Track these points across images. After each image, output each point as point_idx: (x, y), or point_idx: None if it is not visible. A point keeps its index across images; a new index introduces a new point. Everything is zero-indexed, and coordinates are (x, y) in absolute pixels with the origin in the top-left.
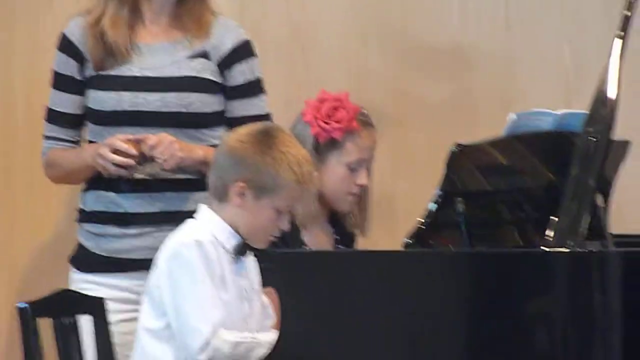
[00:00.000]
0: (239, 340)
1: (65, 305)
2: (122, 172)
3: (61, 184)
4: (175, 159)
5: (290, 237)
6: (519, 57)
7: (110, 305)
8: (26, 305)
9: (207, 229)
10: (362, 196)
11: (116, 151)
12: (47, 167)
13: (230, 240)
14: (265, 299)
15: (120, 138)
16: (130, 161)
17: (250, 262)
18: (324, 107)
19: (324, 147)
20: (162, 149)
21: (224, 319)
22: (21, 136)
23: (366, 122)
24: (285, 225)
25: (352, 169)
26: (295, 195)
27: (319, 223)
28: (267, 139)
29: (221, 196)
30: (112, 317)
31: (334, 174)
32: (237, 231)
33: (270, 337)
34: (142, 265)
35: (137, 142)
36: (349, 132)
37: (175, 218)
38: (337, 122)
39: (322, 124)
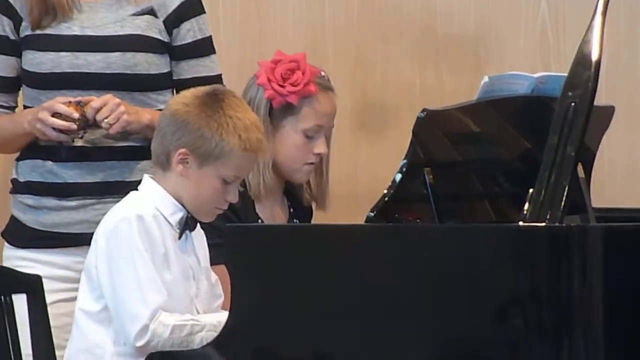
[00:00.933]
0: (180, 323)
1: None
2: (63, 137)
3: None
4: (121, 123)
5: (244, 211)
6: (490, 15)
7: (47, 284)
8: None
9: (150, 202)
10: (320, 166)
11: (56, 114)
12: None
13: (176, 215)
14: (214, 276)
15: (61, 100)
16: (72, 125)
17: (198, 237)
18: (279, 69)
19: (278, 112)
20: (107, 112)
21: (164, 303)
22: None
23: (325, 86)
24: (233, 197)
25: (309, 136)
26: (242, 163)
27: (274, 195)
28: (213, 102)
29: (164, 165)
30: (50, 297)
31: (289, 142)
32: (181, 203)
33: (215, 318)
34: (82, 240)
35: (79, 105)
36: (305, 96)
37: (119, 189)
38: (292, 85)
39: (277, 87)
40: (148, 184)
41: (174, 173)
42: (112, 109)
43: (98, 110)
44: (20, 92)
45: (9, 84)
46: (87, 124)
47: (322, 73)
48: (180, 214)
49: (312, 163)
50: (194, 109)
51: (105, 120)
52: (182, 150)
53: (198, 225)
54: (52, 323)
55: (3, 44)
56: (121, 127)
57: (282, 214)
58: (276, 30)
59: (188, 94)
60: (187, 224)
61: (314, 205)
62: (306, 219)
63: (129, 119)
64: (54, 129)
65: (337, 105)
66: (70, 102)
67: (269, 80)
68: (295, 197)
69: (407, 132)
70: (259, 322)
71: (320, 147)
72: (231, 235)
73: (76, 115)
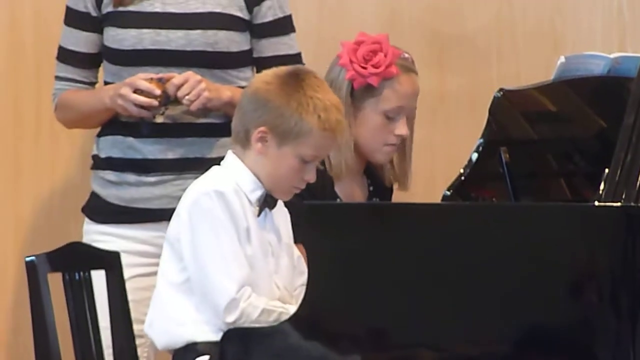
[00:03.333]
0: (269, 308)
1: (77, 260)
2: (144, 113)
3: (74, 128)
4: (202, 100)
5: (322, 189)
6: None
7: (126, 259)
8: (34, 258)
9: (231, 178)
10: (402, 148)
11: (137, 91)
12: (59, 110)
13: (255, 192)
14: (297, 252)
15: (142, 77)
16: (154, 101)
17: (281, 215)
18: (361, 50)
19: (359, 94)
20: (188, 88)
21: (249, 277)
22: (29, 77)
23: (407, 68)
24: (311, 177)
25: (390, 117)
26: (320, 143)
27: (354, 174)
28: (294, 81)
29: (243, 142)
30: (128, 272)
31: (370, 123)
32: (260, 181)
33: None
34: (161, 215)
35: (160, 82)
36: (387, 77)
37: (198, 165)
38: (374, 66)
39: (359, 68)
40: (231, 159)
41: (253, 151)
42: (193, 86)
43: (179, 87)
44: (101, 68)
45: (90, 60)
46: (168, 100)
47: (406, 55)
48: (259, 192)
49: (393, 144)
50: (275, 88)
51: (187, 97)
52: (262, 128)
53: (281, 203)
54: (130, 297)
55: (85, 21)
56: (202, 104)
57: (360, 192)
58: (355, 9)
59: (270, 72)
60: (267, 202)
61: (395, 186)
62: (386, 199)
63: (210, 96)
64: (136, 105)
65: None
66: (152, 78)
67: (351, 61)
68: (376, 176)
69: (485, 112)
70: (335, 300)
71: (401, 129)
72: (308, 214)
73: (157, 91)
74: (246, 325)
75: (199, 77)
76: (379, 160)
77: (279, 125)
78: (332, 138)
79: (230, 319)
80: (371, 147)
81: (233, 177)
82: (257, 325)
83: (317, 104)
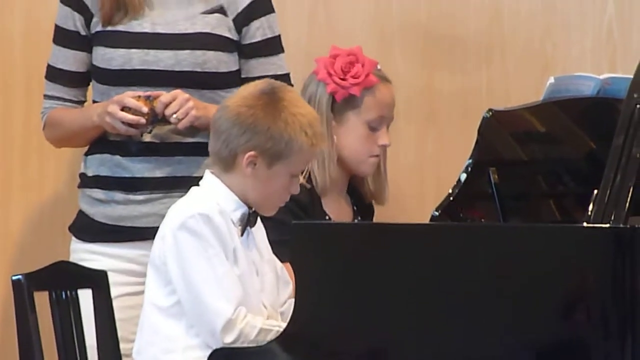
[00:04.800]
0: (267, 327)
1: (64, 278)
2: (132, 131)
3: (62, 147)
4: (190, 118)
5: (312, 207)
6: (557, 15)
7: (114, 278)
8: (20, 277)
9: (212, 199)
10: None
11: (125, 108)
12: (48, 128)
13: (237, 211)
14: (279, 264)
15: (130, 95)
16: (141, 119)
17: (258, 231)
18: (338, 63)
19: (341, 106)
20: (176, 106)
21: (242, 296)
22: (18, 95)
23: (384, 77)
24: (295, 189)
25: (373, 127)
26: (308, 157)
27: (339, 191)
28: (275, 101)
29: (228, 165)
30: (116, 291)
31: (354, 135)
32: (244, 200)
33: None
34: (149, 233)
35: (148, 99)
36: (367, 87)
37: (186, 184)
38: (354, 77)
39: (339, 81)
40: (210, 180)
41: (240, 173)
42: (181, 104)
43: (167, 104)
44: (90, 87)
45: (79, 79)
46: (156, 118)
47: (378, 66)
48: (241, 210)
49: (377, 155)
50: (260, 111)
51: (174, 115)
52: (252, 152)
53: (259, 219)
54: (118, 316)
55: (74, 39)
56: (189, 122)
57: (348, 211)
58: (344, 28)
59: (246, 94)
60: (249, 220)
61: (373, 202)
62: (368, 217)
63: (198, 114)
64: (123, 122)
65: (406, 101)
66: (139, 96)
67: (330, 74)
68: (359, 194)
69: (474, 131)
70: (323, 319)
71: (384, 139)
72: (296, 233)
73: (145, 109)
74: (244, 345)
75: (187, 95)
76: (365, 172)
77: (269, 148)
78: (318, 150)
79: (229, 339)
80: (357, 159)
81: (214, 197)
82: (246, 345)
83: (302, 120)
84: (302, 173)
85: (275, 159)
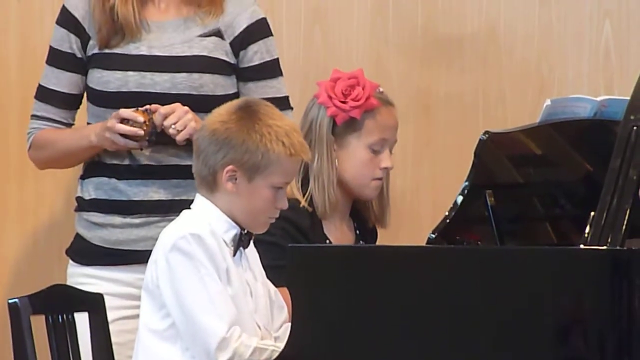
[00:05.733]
0: (261, 346)
1: (60, 302)
2: (132, 144)
3: (47, 168)
4: (189, 130)
5: (313, 231)
6: (553, 36)
7: (111, 301)
8: (17, 300)
9: (204, 220)
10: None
11: (124, 121)
12: (35, 149)
13: (229, 232)
14: (272, 288)
15: (127, 109)
16: (139, 131)
17: (251, 253)
18: (339, 86)
19: (342, 129)
20: (174, 118)
21: (236, 316)
22: (13, 117)
23: (385, 100)
24: (283, 204)
25: (375, 150)
26: (289, 168)
27: (342, 215)
28: (249, 114)
29: (211, 185)
30: (113, 314)
31: (356, 158)
32: (234, 220)
33: None
34: (146, 257)
35: (147, 112)
36: (368, 110)
37: (183, 207)
38: (354, 100)
39: (339, 104)
40: (200, 202)
41: (223, 192)
42: (180, 116)
43: (166, 116)
44: (81, 111)
45: (71, 101)
46: (155, 130)
47: (380, 89)
48: (233, 231)
49: (379, 178)
50: (234, 125)
51: (173, 126)
52: (230, 167)
53: (252, 242)
54: (114, 339)
55: (69, 61)
56: (188, 134)
57: (350, 235)
58: (340, 50)
59: (222, 111)
60: (241, 241)
61: (377, 225)
62: (371, 241)
63: (197, 127)
64: (123, 135)
65: (401, 123)
66: (137, 109)
67: (330, 97)
68: (361, 218)
69: (470, 154)
70: (320, 343)
71: (386, 161)
72: (293, 256)
73: (141, 119)
74: None
75: (185, 107)
76: (368, 196)
77: (246, 160)
78: (299, 161)
79: (223, 358)
80: (359, 183)
81: (205, 219)
82: None
83: (278, 131)
84: (301, 193)
85: (254, 172)
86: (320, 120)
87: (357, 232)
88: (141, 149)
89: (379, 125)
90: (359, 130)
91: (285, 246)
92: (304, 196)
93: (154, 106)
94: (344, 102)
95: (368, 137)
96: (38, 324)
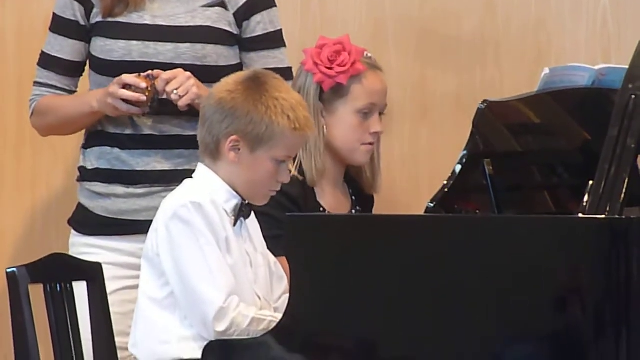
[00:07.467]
0: (259, 316)
1: (58, 270)
2: (133, 110)
3: (50, 134)
4: (191, 95)
5: (304, 199)
6: (551, 4)
7: (114, 271)
8: (15, 269)
9: (205, 189)
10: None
11: (126, 87)
12: (37, 115)
13: (230, 202)
14: (272, 258)
15: (130, 75)
16: (142, 96)
17: (252, 224)
18: (325, 52)
19: (330, 96)
20: (177, 83)
21: (234, 286)
22: (10, 88)
23: (372, 65)
24: (285, 177)
25: (364, 115)
26: (292, 143)
27: (334, 182)
28: (257, 86)
29: (214, 154)
30: (115, 284)
31: (345, 124)
32: (235, 190)
33: None
34: (149, 227)
35: (149, 77)
36: (354, 75)
37: (185, 177)
38: (340, 65)
39: (325, 70)
40: (202, 171)
41: (225, 161)
42: (182, 82)
43: (168, 82)
44: (83, 79)
45: (74, 69)
46: (157, 96)
47: (368, 53)
48: (234, 201)
49: (370, 143)
50: (240, 95)
51: (175, 92)
52: (233, 137)
53: (253, 213)
54: (116, 309)
55: (73, 29)
56: (190, 99)
57: (345, 202)
58: (337, 22)
59: (230, 81)
60: (242, 211)
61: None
62: (367, 207)
63: (199, 92)
64: (125, 101)
65: (399, 95)
66: (139, 74)
67: (316, 64)
68: (357, 184)
69: (468, 123)
70: (318, 313)
71: (375, 126)
72: (291, 225)
73: (144, 84)
74: (236, 334)
75: (188, 73)
76: (359, 161)
77: (250, 131)
78: (303, 136)
79: (220, 328)
80: (348, 148)
81: (207, 188)
82: (241, 337)
83: (284, 104)
84: (293, 163)
85: (257, 144)
86: (307, 87)
87: (353, 197)
88: (143, 115)
89: (366, 90)
90: (346, 96)
91: (277, 216)
92: (293, 164)
93: (156, 72)
94: (329, 68)
95: (355, 102)
96: (36, 293)
